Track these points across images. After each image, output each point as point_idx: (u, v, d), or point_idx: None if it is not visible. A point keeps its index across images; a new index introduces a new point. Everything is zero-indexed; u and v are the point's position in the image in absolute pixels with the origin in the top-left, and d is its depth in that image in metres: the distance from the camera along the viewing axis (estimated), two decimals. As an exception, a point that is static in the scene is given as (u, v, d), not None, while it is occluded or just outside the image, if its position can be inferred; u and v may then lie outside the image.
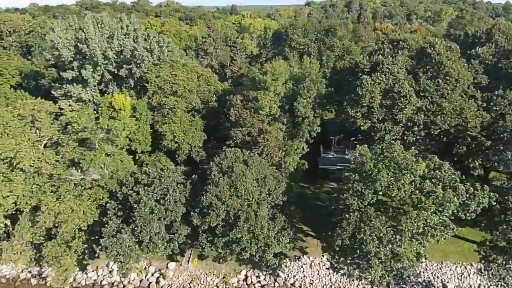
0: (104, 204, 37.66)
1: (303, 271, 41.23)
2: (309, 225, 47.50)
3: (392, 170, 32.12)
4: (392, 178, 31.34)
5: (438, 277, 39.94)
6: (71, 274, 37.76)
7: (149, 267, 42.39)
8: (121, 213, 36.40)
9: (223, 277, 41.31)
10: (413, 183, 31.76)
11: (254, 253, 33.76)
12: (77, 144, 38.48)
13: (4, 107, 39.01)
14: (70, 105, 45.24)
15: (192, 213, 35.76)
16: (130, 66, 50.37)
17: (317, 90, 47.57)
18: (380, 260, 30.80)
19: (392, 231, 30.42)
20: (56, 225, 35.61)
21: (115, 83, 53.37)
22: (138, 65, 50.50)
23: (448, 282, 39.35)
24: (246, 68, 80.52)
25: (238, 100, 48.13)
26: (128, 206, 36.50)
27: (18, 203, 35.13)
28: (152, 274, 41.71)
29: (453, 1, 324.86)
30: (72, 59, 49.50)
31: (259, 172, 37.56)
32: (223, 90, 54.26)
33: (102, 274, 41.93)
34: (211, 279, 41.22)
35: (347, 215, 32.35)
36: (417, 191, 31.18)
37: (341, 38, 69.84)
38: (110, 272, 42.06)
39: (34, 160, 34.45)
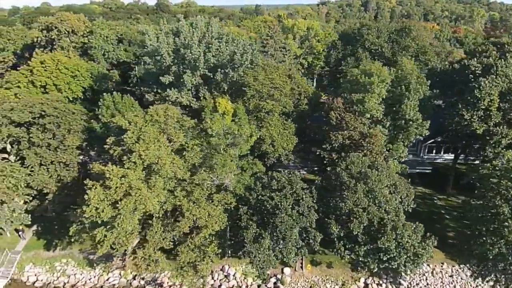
0: (230, 208, 36.88)
1: (426, 279, 40.23)
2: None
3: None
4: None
5: None
6: (206, 280, 37.11)
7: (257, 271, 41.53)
8: (256, 218, 35.57)
9: (342, 284, 40.39)
10: None
11: (403, 263, 32.83)
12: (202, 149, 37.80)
13: (132, 113, 38.29)
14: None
15: (328, 219, 34.88)
16: (226, 70, 49.49)
17: (423, 92, 46.58)
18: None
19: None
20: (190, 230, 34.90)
21: (205, 87, 52.54)
22: (236, 69, 49.57)
23: None
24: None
25: (340, 103, 47.25)
26: (261, 211, 35.73)
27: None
28: (269, 279, 40.88)
29: (468, 2, 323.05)
30: (171, 63, 48.64)
31: (389, 178, 36.62)
32: (313, 93, 53.39)
33: (218, 279, 41.14)
34: (330, 286, 40.34)
35: (506, 223, 31.34)
36: None
37: (414, 39, 68.62)
38: (226, 276, 41.32)
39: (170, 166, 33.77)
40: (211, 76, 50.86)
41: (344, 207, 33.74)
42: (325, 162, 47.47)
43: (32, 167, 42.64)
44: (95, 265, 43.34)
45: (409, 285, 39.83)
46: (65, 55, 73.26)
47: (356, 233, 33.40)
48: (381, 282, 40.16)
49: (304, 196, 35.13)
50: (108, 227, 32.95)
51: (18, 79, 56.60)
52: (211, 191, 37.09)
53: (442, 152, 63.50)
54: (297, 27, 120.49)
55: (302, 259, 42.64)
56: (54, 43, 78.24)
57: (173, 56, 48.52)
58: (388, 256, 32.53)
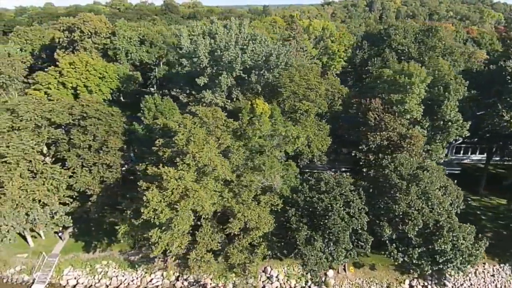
0: (276, 210, 36.76)
1: (469, 279, 40.19)
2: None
3: None
4: None
5: None
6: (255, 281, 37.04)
7: (306, 273, 41.40)
8: (305, 220, 35.43)
9: (387, 286, 40.34)
10: None
11: (458, 265, 32.73)
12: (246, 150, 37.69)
13: (179, 114, 38.26)
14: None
15: (379, 222, 34.76)
16: (261, 71, 49.39)
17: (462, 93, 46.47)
18: None
19: None
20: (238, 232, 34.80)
21: (238, 89, 52.47)
22: (271, 70, 49.48)
23: None
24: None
25: (378, 103, 47.10)
26: (310, 213, 35.61)
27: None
28: (311, 280, 40.80)
29: (472, 2, 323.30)
30: (207, 65, 48.51)
31: (440, 179, 36.51)
32: (346, 93, 53.28)
33: (261, 280, 41.05)
34: (375, 288, 40.34)
35: None
36: None
37: (440, 39, 68.46)
38: (269, 278, 41.24)
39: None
40: (245, 77, 50.80)
41: (398, 209, 33.60)
42: (360, 163, 47.36)
43: (74, 169, 42.57)
44: (136, 266, 43.28)
45: (454, 286, 39.90)
46: (89, 56, 73.42)
47: (410, 235, 33.26)
48: (425, 283, 40.12)
49: (354, 198, 34.97)
50: (163, 228, 32.87)
51: (48, 80, 56.50)
52: (257, 192, 37.01)
53: (469, 153, 63.44)
54: (312, 28, 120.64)
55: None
56: (75, 44, 78.23)
57: (209, 57, 48.39)
58: (444, 258, 32.40)
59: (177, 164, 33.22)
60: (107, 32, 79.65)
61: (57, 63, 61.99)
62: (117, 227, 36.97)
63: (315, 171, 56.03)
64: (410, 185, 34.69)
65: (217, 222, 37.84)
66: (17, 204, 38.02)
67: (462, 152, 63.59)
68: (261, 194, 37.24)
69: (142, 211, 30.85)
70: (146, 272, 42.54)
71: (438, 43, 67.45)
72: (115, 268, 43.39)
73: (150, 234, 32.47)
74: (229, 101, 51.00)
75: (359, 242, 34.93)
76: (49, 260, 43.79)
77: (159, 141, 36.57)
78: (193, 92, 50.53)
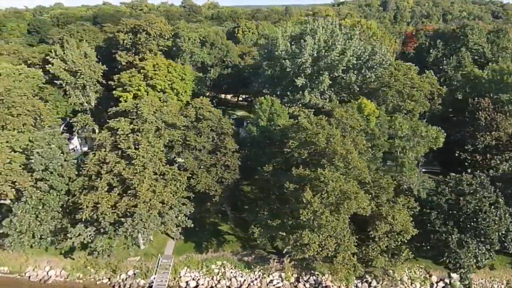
0: (414, 213, 36.94)
1: None
2: None
3: None
4: None
5: None
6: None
7: (430, 276, 41.61)
8: (451, 222, 35.61)
9: (507, 283, 40.56)
10: None
11: None
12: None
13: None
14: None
15: None
16: (362, 70, 49.64)
17: None
18: None
19: None
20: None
21: (331, 89, 52.74)
22: (373, 69, 49.65)
23: None
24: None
25: (488, 103, 47.12)
26: (454, 215, 35.82)
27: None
28: (437, 283, 40.99)
29: (483, 2, 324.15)
30: (309, 65, 48.79)
31: None
32: (444, 93, 53.42)
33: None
34: (498, 286, 40.50)
35: None
36: None
37: (510, 40, 68.78)
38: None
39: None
40: (343, 77, 51.00)
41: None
42: (466, 163, 47.50)
43: (192, 171, 42.79)
44: (252, 267, 43.48)
45: None
46: (153, 58, 73.70)
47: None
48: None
49: (500, 199, 35.15)
50: (308, 229, 32.98)
51: (138, 83, 56.74)
52: (392, 194, 37.17)
53: None
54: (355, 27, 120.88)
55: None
56: (137, 46, 78.42)
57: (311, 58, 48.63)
58: None
59: (321, 165, 33.37)
60: (170, 34, 79.87)
61: (137, 64, 62.56)
62: (253, 228, 37.12)
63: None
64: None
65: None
66: (149, 206, 38.23)
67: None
68: (395, 196, 37.37)
69: (301, 212, 31.00)
70: (264, 273, 42.73)
71: (508, 43, 67.80)
72: (231, 268, 43.56)
73: (302, 236, 32.48)
74: (326, 101, 51.22)
75: (504, 243, 35.13)
76: (163, 261, 44.00)
77: (292, 143, 36.75)
78: (288, 93, 50.65)
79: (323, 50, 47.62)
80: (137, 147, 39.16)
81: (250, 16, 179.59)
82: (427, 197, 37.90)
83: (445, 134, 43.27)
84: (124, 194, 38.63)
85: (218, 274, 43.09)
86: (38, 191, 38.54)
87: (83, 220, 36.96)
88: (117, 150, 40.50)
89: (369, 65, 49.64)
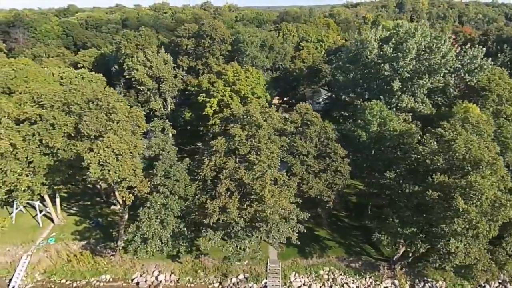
0: None
1: None
2: None
3: None
4: None
5: None
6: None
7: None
8: None
9: None
10: None
11: None
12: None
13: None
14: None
15: None
16: (461, 74, 49.45)
17: None
18: None
19: None
20: None
21: (424, 93, 52.52)
22: (473, 73, 49.31)
23: None
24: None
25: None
26: None
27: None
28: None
29: (495, 5, 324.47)
30: (408, 69, 48.70)
31: None
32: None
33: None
34: None
35: None
36: None
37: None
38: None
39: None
40: (438, 81, 50.83)
41: None
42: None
43: (301, 176, 42.77)
44: (362, 273, 43.34)
45: None
46: (215, 63, 74.06)
47: None
48: None
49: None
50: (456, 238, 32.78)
51: (223, 89, 56.87)
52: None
53: None
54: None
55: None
56: (197, 50, 78.73)
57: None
58: None
59: (466, 172, 33.23)
60: (230, 37, 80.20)
61: (214, 69, 62.85)
62: (380, 235, 37.02)
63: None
64: None
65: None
66: (274, 211, 38.17)
67: None
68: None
69: (455, 221, 30.79)
70: (376, 280, 42.56)
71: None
72: (340, 274, 43.46)
73: (449, 245, 32.23)
74: (424, 105, 51.00)
75: None
76: (271, 266, 44.04)
77: (423, 149, 36.62)
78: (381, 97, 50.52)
79: (426, 54, 47.54)
80: (258, 153, 39.18)
81: (279, 19, 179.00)
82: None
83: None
84: (244, 199, 38.74)
85: (328, 280, 43.01)
86: (162, 195, 38.71)
87: (211, 224, 37.04)
88: (232, 155, 40.75)
89: (468, 68, 49.36)
